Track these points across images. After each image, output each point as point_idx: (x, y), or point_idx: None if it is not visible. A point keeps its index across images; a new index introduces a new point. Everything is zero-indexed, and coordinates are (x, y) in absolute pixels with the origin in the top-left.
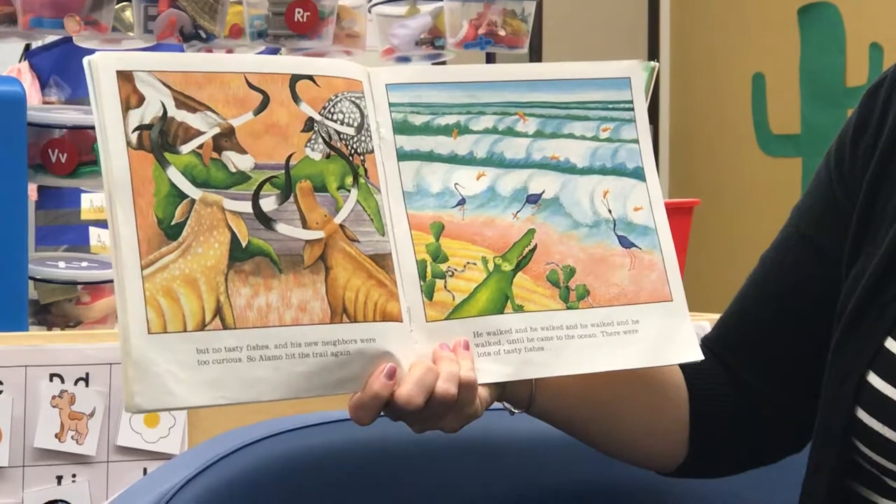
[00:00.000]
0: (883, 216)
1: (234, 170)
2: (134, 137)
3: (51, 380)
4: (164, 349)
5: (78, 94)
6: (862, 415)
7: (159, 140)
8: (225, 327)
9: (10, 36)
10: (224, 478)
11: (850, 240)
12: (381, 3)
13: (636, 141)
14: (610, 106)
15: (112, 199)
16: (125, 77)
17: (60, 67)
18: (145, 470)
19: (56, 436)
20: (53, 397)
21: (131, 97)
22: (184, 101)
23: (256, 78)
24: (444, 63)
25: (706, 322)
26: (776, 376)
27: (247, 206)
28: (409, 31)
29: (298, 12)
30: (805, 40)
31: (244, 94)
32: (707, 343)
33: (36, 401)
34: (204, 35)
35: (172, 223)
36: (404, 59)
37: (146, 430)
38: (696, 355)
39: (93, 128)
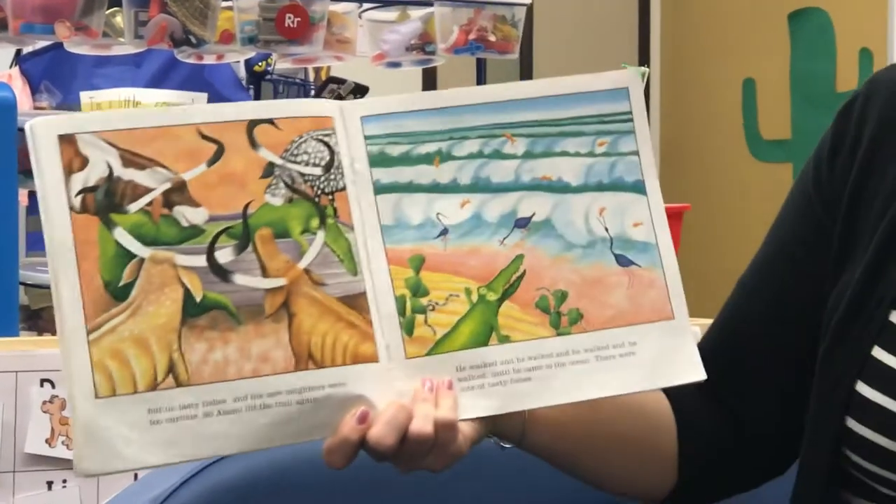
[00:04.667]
0: (864, 229)
1: (186, 224)
2: (77, 201)
3: (41, 385)
4: (112, 412)
5: (69, 99)
6: (852, 424)
7: (105, 201)
8: (179, 385)
9: (1, 41)
10: (217, 481)
11: (834, 255)
12: (372, 8)
13: (636, 153)
14: (606, 119)
15: (55, 265)
16: (67, 140)
17: (51, 73)
18: (136, 475)
19: (47, 441)
20: (44, 402)
21: (74, 161)
22: (131, 159)
23: (210, 128)
24: (434, 68)
25: (696, 328)
26: (763, 399)
27: (201, 260)
28: (400, 37)
29: (289, 18)
30: (795, 45)
31: (196, 146)
32: None
33: (26, 406)
34: (194, 41)
35: (120, 284)
36: (395, 65)
37: None
38: (699, 374)
39: None
